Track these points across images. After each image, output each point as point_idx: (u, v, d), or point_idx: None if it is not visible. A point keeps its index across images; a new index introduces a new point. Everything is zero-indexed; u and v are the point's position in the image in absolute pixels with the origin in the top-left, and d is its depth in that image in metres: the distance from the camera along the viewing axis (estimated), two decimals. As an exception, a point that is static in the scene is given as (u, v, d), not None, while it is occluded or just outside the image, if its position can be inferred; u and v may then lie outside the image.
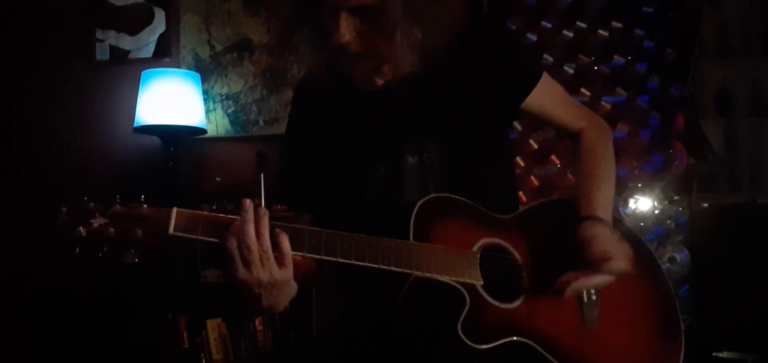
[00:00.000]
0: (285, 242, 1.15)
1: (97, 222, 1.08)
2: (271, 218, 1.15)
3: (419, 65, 1.35)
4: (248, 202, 1.13)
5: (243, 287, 1.16)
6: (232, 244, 1.13)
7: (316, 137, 1.46)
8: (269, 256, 1.13)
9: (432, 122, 1.40)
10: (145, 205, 1.12)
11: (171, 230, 1.11)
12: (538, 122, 1.55)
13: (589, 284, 1.30)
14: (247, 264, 1.13)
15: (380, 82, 1.42)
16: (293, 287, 1.23)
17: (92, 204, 1.10)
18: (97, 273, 2.97)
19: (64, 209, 1.09)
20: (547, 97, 1.48)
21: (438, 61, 1.38)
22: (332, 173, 1.43)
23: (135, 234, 1.09)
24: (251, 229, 1.12)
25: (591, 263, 1.29)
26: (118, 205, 1.11)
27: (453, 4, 1.32)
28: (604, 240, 1.31)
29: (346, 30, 1.25)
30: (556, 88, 1.53)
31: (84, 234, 1.07)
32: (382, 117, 1.41)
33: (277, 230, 1.14)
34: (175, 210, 1.12)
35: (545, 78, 1.47)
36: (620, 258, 1.30)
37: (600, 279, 1.29)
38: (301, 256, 1.18)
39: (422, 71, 1.38)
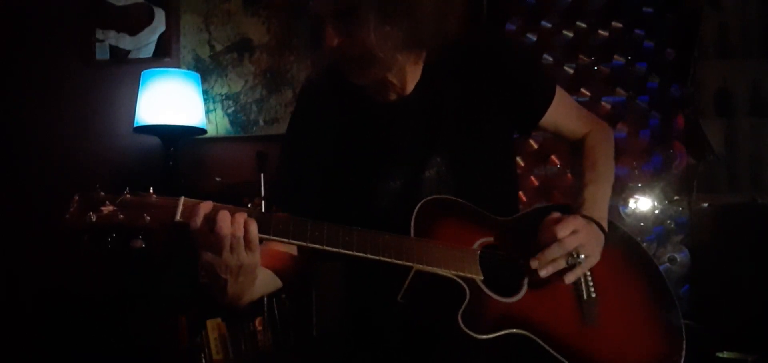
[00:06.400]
0: (253, 228, 1.16)
1: (107, 209, 1.12)
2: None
3: (414, 67, 1.37)
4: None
5: (209, 272, 1.18)
6: (197, 225, 1.14)
7: (324, 144, 1.45)
8: (240, 242, 1.15)
9: (447, 136, 1.41)
10: (154, 195, 1.15)
11: (178, 217, 1.14)
12: (547, 132, 1.57)
13: (548, 258, 1.30)
14: (218, 249, 1.14)
15: (393, 95, 1.42)
16: (259, 278, 1.25)
17: (102, 193, 1.13)
18: (98, 273, 2.97)
19: (76, 198, 1.12)
20: (560, 110, 1.51)
21: (451, 74, 1.39)
22: (342, 181, 1.43)
23: (143, 220, 1.12)
24: (226, 215, 1.14)
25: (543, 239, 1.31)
26: (127, 194, 1.14)
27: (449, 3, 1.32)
28: (566, 226, 1.30)
29: (333, 35, 1.27)
30: (567, 100, 1.56)
31: (94, 220, 1.10)
32: (399, 130, 1.42)
33: (246, 218, 1.16)
34: (182, 198, 1.15)
35: (559, 92, 1.50)
36: (574, 242, 1.29)
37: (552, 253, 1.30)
38: (303, 246, 1.20)
39: (436, 85, 1.40)
